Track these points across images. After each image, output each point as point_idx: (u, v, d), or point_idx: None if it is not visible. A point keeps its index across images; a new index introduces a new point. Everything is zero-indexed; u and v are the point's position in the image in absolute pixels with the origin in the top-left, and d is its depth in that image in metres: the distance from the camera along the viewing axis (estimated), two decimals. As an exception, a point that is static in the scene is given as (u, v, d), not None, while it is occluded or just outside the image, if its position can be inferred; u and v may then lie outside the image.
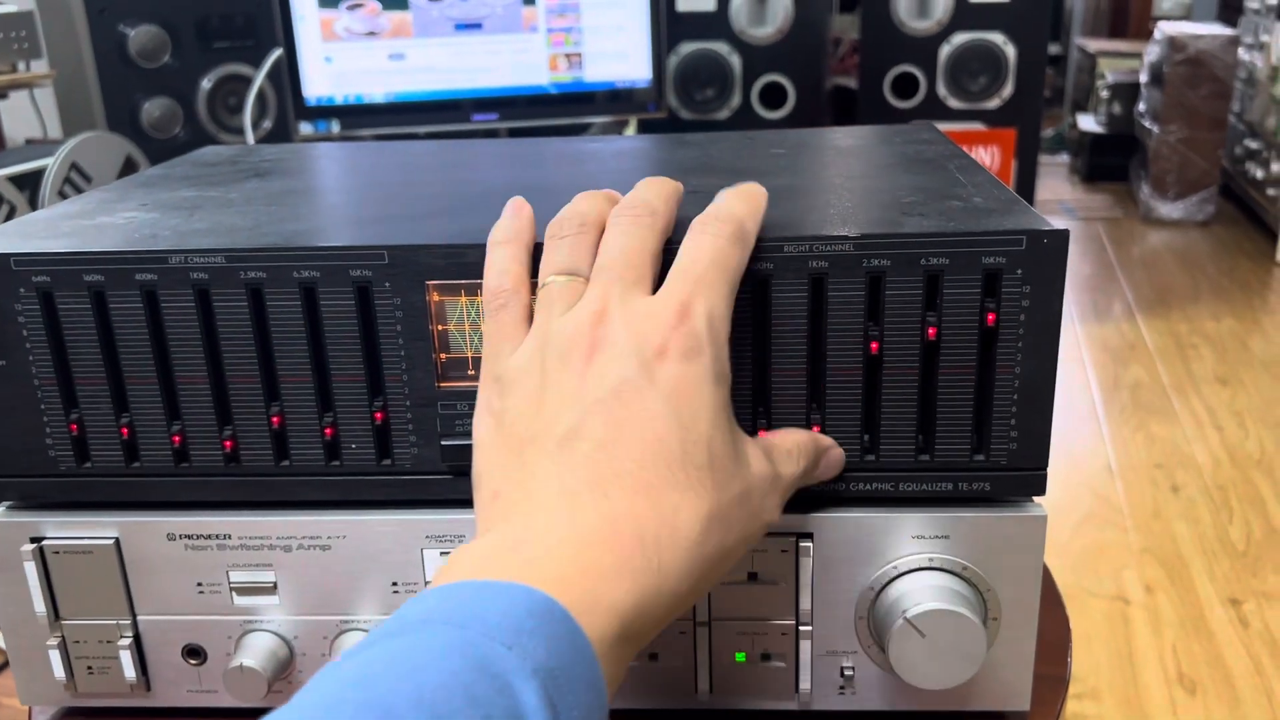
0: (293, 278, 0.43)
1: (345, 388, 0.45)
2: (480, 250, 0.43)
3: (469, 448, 0.45)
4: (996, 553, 0.45)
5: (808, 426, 0.44)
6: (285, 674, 0.49)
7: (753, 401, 0.44)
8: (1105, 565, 1.70)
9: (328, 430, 0.45)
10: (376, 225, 0.47)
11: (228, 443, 0.46)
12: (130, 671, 0.49)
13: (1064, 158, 4.50)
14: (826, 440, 0.44)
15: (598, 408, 0.36)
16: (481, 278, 0.43)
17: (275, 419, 0.45)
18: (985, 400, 0.43)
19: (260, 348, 0.44)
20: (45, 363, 0.45)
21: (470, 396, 0.45)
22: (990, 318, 0.42)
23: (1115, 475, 1.97)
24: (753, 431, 0.44)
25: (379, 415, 0.45)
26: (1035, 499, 0.46)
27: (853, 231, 0.42)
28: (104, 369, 0.45)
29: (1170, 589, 1.63)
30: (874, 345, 0.43)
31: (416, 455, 0.46)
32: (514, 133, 2.00)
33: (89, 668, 0.49)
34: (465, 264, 0.43)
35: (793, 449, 0.41)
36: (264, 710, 0.49)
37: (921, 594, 0.44)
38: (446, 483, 0.46)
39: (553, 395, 0.37)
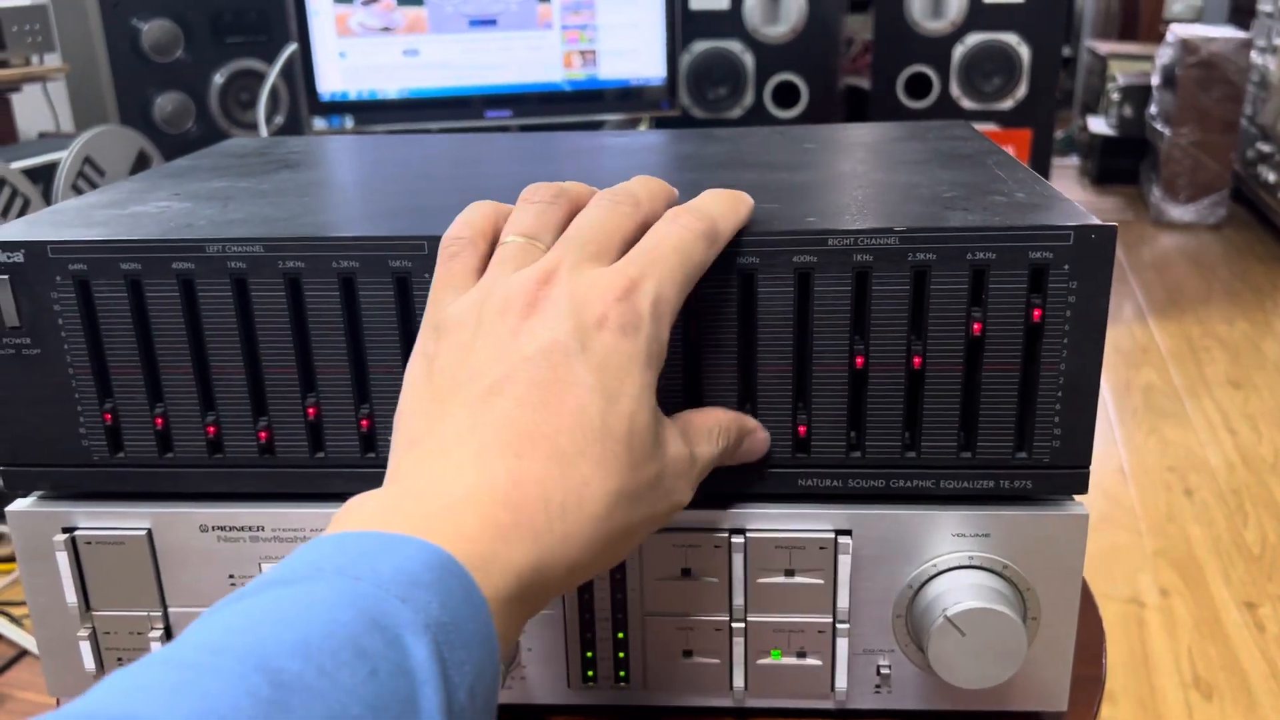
0: (331, 268, 0.43)
1: (382, 379, 0.44)
2: (520, 241, 0.42)
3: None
4: (1037, 551, 0.45)
5: (850, 423, 0.44)
6: (317, 667, 0.48)
7: (793, 396, 0.44)
8: (1119, 568, 1.69)
9: (363, 422, 0.45)
10: (414, 216, 0.47)
11: (263, 433, 0.45)
12: (160, 664, 0.48)
13: (1074, 160, 4.49)
14: (752, 422, 0.43)
15: (524, 366, 0.35)
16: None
17: (311, 410, 0.45)
18: (1029, 397, 0.43)
19: (297, 338, 0.44)
20: (80, 351, 0.44)
21: (507, 389, 0.44)
22: (1036, 314, 0.42)
23: (1128, 478, 1.96)
24: (790, 429, 0.44)
25: (415, 407, 0.45)
26: (1076, 498, 0.46)
27: (898, 225, 0.41)
28: (139, 358, 0.44)
29: (1185, 592, 1.63)
30: (917, 340, 0.42)
31: (452, 448, 0.45)
32: (525, 130, 2.00)
33: (119, 659, 0.49)
34: (504, 255, 0.43)
35: (713, 428, 0.41)
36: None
37: (962, 592, 0.44)
38: (482, 476, 0.46)
39: (483, 346, 0.36)
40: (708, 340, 0.43)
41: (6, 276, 0.44)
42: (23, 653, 1.33)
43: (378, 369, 0.44)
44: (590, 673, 0.48)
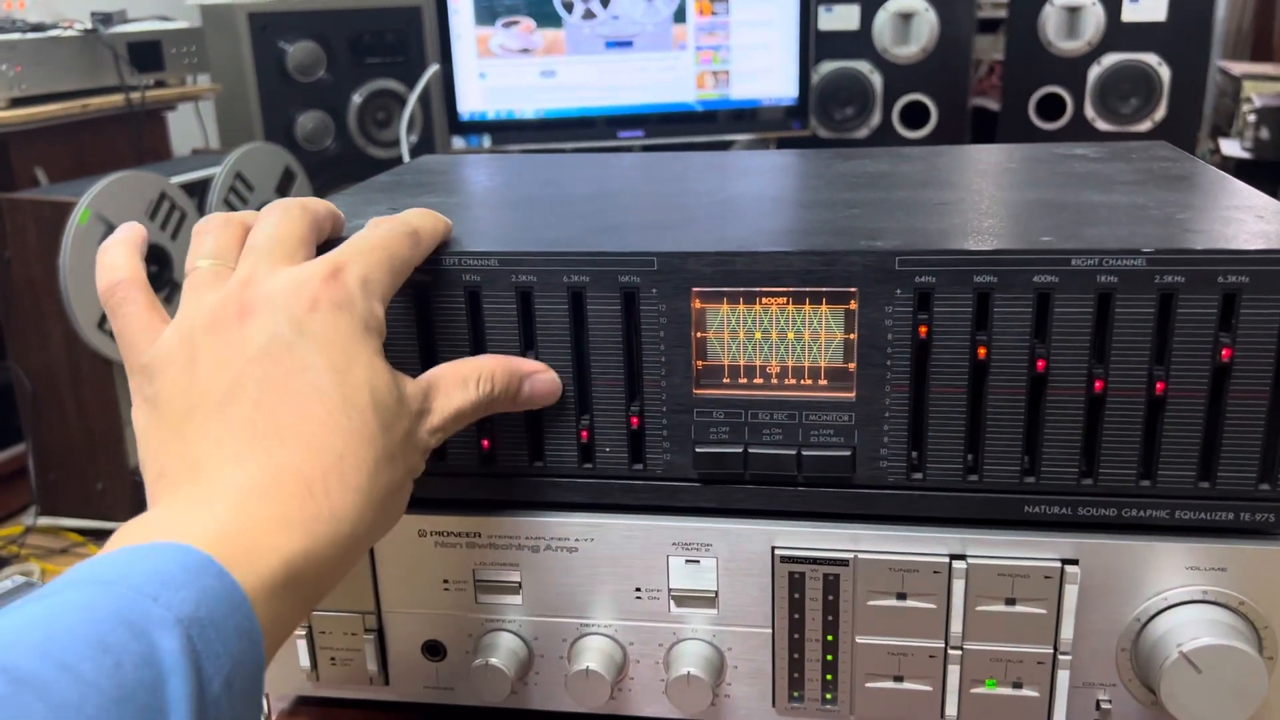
0: (562, 282, 0.44)
1: (604, 391, 0.45)
2: (749, 257, 0.43)
3: (722, 456, 0.45)
4: (1277, 588, 0.43)
5: (1084, 448, 0.43)
6: (524, 675, 0.49)
7: (1025, 419, 0.43)
8: None
9: (583, 433, 0.46)
10: (643, 232, 0.47)
11: (485, 442, 0.46)
12: (372, 664, 0.50)
13: (1206, 184, 4.34)
14: (529, 365, 0.44)
15: (251, 366, 0.36)
16: (745, 286, 0.43)
17: (532, 420, 0.46)
18: (1276, 426, 0.41)
19: (524, 349, 0.45)
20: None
21: (728, 405, 0.44)
22: (1290, 340, 0.40)
23: None
24: (1020, 452, 0.43)
25: (634, 420, 0.45)
26: (1318, 533, 0.44)
27: (1145, 246, 0.40)
28: (369, 366, 0.46)
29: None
30: (1160, 365, 0.41)
31: (668, 461, 0.46)
32: (649, 149, 2.01)
33: (332, 659, 0.50)
34: (730, 272, 0.43)
35: (470, 375, 0.42)
36: (505, 712, 0.49)
37: (1197, 628, 0.42)
38: (696, 490, 0.46)
39: (205, 364, 0.37)
40: (938, 359, 0.42)
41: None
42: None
43: (600, 381, 0.45)
44: (797, 693, 0.47)
